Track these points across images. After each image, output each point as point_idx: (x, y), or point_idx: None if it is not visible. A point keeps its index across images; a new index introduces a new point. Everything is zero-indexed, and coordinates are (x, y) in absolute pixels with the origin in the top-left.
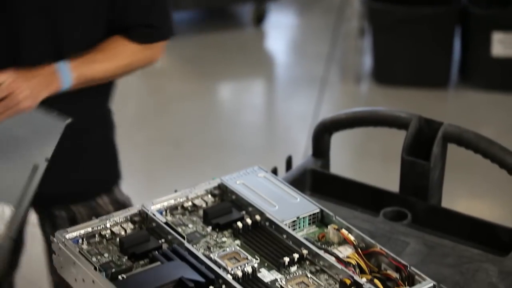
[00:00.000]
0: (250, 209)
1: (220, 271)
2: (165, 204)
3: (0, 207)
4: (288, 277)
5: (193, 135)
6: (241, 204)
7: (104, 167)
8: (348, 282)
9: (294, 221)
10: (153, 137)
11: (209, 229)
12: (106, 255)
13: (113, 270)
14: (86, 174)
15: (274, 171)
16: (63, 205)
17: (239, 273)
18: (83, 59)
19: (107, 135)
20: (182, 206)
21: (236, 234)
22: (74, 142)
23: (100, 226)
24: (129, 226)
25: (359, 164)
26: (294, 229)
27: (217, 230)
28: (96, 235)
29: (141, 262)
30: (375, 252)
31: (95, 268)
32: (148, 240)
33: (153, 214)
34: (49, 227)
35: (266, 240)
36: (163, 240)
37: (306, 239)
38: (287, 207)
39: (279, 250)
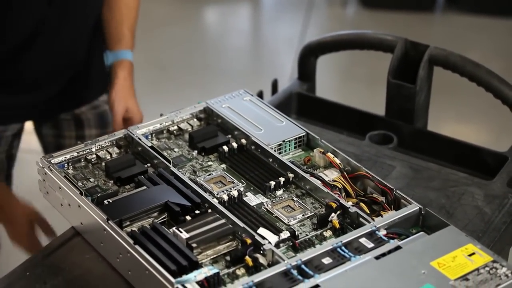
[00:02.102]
0: (236, 132)
1: (206, 195)
2: (151, 128)
3: None
4: (274, 200)
5: (179, 59)
6: (227, 127)
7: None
8: (333, 205)
9: (280, 145)
10: (139, 61)
11: (194, 153)
12: (92, 179)
13: (99, 194)
14: (93, 84)
15: (260, 95)
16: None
17: (225, 197)
18: (126, 35)
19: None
20: (168, 130)
21: (222, 158)
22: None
23: (85, 150)
24: (115, 151)
25: (345, 88)
26: (280, 153)
27: (203, 154)
28: (82, 160)
29: (127, 187)
30: (361, 176)
31: (81, 193)
32: (133, 164)
33: (139, 138)
34: (50, 128)
35: (252, 164)
36: (148, 165)
37: (292, 162)
38: (273, 130)
39: (265, 174)
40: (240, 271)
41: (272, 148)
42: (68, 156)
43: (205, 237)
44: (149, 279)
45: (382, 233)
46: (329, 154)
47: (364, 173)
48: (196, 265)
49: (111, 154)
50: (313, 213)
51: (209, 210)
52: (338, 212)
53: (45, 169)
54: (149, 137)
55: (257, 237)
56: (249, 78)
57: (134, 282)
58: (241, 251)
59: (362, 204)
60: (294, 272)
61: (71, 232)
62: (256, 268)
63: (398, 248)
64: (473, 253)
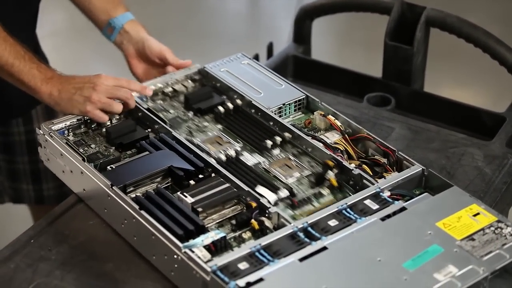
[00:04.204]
0: (235, 96)
1: (209, 159)
2: None
3: None
4: (271, 160)
5: (177, 25)
6: (226, 91)
7: None
8: (331, 163)
9: (280, 108)
10: None
11: (190, 114)
12: (92, 146)
13: (101, 160)
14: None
15: (256, 58)
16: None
17: (223, 157)
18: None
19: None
20: (163, 92)
21: (217, 119)
22: None
23: (85, 117)
24: (115, 116)
25: (342, 51)
26: (280, 116)
27: (199, 115)
28: (82, 126)
29: (129, 152)
30: (362, 138)
31: (84, 159)
32: (134, 130)
33: (137, 103)
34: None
35: (248, 124)
36: (149, 130)
37: (293, 125)
38: (272, 94)
39: (261, 133)
40: (246, 234)
41: (272, 112)
42: (68, 123)
43: (210, 201)
44: (155, 245)
45: (386, 194)
46: (330, 117)
47: (366, 135)
48: (202, 230)
49: (111, 120)
50: (310, 172)
51: (213, 174)
52: (336, 170)
53: (45, 136)
54: (144, 99)
55: (262, 200)
56: (246, 42)
57: (140, 247)
58: (246, 214)
59: (364, 166)
60: (301, 234)
61: (73, 198)
62: (262, 231)
63: (403, 209)
64: (478, 213)
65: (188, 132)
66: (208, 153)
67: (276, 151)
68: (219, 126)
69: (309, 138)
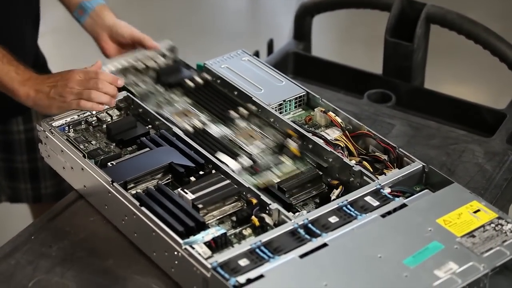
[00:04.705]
0: (235, 93)
1: (210, 156)
2: (116, 64)
3: None
4: (236, 131)
5: (177, 21)
6: (227, 89)
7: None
8: (293, 133)
9: (280, 104)
10: (137, 22)
11: (160, 88)
12: (93, 142)
13: (102, 157)
14: None
15: (256, 55)
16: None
17: (189, 128)
18: None
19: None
20: (135, 68)
21: (186, 93)
22: None
23: (86, 113)
24: (115, 113)
25: (343, 48)
26: (280, 113)
27: (168, 89)
28: (82, 122)
29: (129, 149)
30: (362, 134)
31: (84, 156)
32: (135, 126)
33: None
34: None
35: (215, 97)
36: (150, 126)
37: (294, 122)
38: (273, 90)
39: (227, 106)
40: (247, 231)
41: (273, 108)
42: (68, 119)
43: (211, 197)
44: (155, 241)
45: (386, 191)
46: (330, 113)
47: (366, 132)
48: (203, 226)
49: (111, 116)
50: (273, 142)
51: (213, 171)
52: (297, 140)
53: (46, 132)
54: (115, 74)
55: (262, 197)
56: (246, 39)
57: (140, 244)
58: (247, 211)
59: (365, 163)
60: (301, 231)
61: (74, 195)
62: (263, 228)
63: (403, 206)
64: (478, 210)
65: (157, 105)
66: (174, 124)
67: (242, 123)
68: (188, 100)
69: (310, 135)
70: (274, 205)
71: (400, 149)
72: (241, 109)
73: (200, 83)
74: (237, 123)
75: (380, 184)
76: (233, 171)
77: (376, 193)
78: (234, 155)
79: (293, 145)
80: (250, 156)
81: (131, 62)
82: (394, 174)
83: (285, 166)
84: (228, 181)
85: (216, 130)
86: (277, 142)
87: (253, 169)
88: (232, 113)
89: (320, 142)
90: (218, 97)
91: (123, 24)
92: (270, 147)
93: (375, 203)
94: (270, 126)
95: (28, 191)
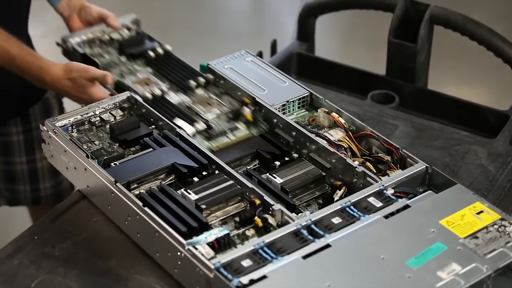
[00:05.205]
0: (239, 93)
1: (213, 156)
2: (83, 37)
3: None
4: (194, 98)
5: (180, 20)
6: (229, 89)
7: None
8: (247, 101)
9: (284, 105)
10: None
11: (123, 58)
12: (96, 142)
13: (105, 157)
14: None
15: (259, 55)
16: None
17: (149, 96)
18: None
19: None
20: (100, 40)
21: (148, 63)
22: None
23: (89, 113)
24: (118, 113)
25: (346, 49)
26: (284, 113)
27: (131, 59)
28: (86, 123)
29: (132, 149)
30: (366, 135)
31: (87, 156)
32: (138, 126)
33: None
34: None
35: (176, 67)
36: (153, 127)
37: (297, 122)
38: (276, 91)
39: (186, 75)
40: (250, 232)
41: (276, 109)
42: (72, 119)
43: (214, 198)
44: (159, 241)
45: (390, 192)
46: (334, 114)
47: (369, 133)
48: (206, 227)
49: (114, 117)
50: (228, 109)
51: (216, 171)
52: (252, 107)
53: (49, 132)
54: (81, 45)
55: (265, 197)
56: (250, 39)
57: (143, 244)
58: (250, 211)
59: (368, 164)
60: (304, 232)
61: (77, 195)
62: (266, 228)
63: (406, 207)
64: (481, 211)
65: (120, 75)
66: (136, 92)
67: (200, 91)
68: (149, 69)
69: (313, 136)
70: (277, 206)
71: (403, 150)
72: (200, 79)
73: (161, 54)
74: (196, 92)
75: (383, 185)
76: (188, 134)
77: (379, 194)
78: (191, 121)
79: (247, 111)
80: (206, 121)
81: (96, 34)
82: (397, 175)
83: (239, 131)
84: (231, 182)
85: (175, 98)
86: (233, 109)
87: (208, 134)
88: (191, 82)
89: (323, 143)
90: (179, 67)
91: (92, 6)
92: (226, 113)
93: (378, 204)
94: (227, 95)
95: (27, 193)
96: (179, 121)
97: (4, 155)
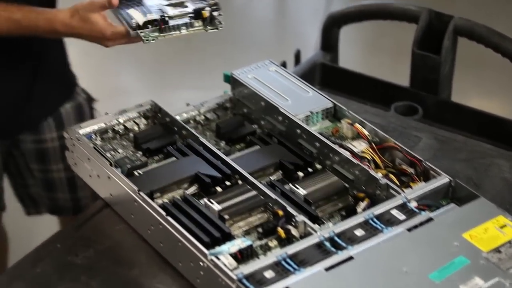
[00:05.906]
0: (262, 103)
1: (236, 166)
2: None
3: None
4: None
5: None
6: (253, 99)
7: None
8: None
9: (307, 116)
10: None
11: None
12: (120, 150)
13: (129, 166)
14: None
15: (283, 65)
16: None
17: None
18: None
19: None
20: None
21: None
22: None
23: (113, 121)
24: (142, 122)
25: (370, 59)
26: (307, 124)
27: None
28: (109, 131)
29: (156, 158)
30: (389, 147)
31: (111, 164)
32: (162, 135)
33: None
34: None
35: None
36: (177, 136)
37: (321, 134)
38: (300, 101)
39: None
40: (273, 243)
41: (300, 119)
42: (95, 127)
43: (237, 208)
44: (181, 251)
45: (413, 204)
46: (357, 125)
47: (393, 144)
48: (229, 237)
49: (138, 125)
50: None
51: (240, 182)
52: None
53: (73, 140)
54: None
55: (289, 208)
56: (274, 49)
57: (166, 254)
58: (273, 222)
59: (391, 176)
60: (327, 243)
61: (100, 203)
62: (289, 240)
63: (429, 220)
64: (505, 225)
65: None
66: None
67: None
68: None
69: (336, 147)
70: (300, 217)
71: (426, 162)
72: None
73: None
74: None
75: (406, 198)
76: (138, 23)
77: (402, 207)
78: (144, 13)
79: (206, 10)
80: (162, 15)
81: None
82: (420, 187)
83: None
84: (254, 193)
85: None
86: (194, 9)
87: (159, 26)
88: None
89: (347, 154)
90: None
91: None
92: (187, 13)
93: (402, 216)
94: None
95: (67, 202)
96: (132, 12)
97: (41, 163)
